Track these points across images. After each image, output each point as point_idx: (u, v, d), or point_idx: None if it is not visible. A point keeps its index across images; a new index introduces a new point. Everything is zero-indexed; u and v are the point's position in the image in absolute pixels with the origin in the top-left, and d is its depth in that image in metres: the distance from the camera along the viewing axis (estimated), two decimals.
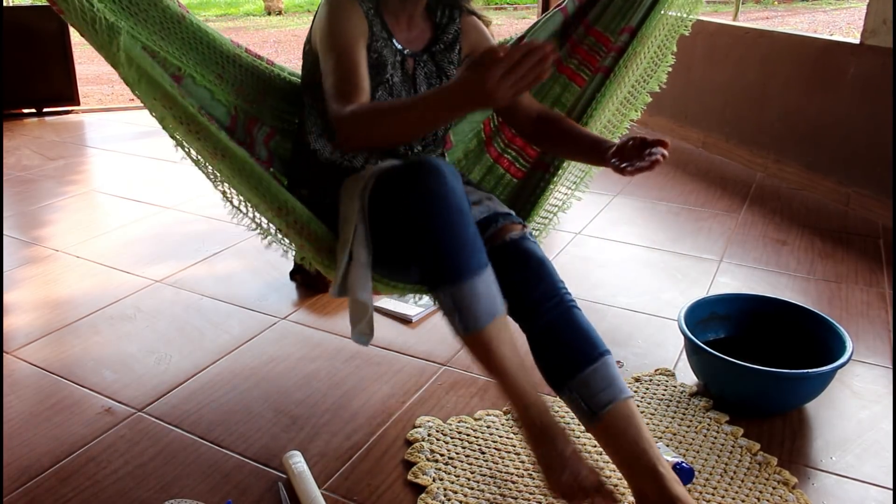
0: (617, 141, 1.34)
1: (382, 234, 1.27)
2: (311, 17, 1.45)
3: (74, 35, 4.51)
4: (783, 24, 9.95)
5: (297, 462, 1.38)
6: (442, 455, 1.42)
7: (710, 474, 1.38)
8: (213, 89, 1.48)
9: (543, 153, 1.67)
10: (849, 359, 1.51)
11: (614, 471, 1.37)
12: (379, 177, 1.29)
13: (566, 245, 2.48)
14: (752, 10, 11.27)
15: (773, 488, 1.35)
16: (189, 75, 1.45)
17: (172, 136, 1.24)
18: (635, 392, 1.62)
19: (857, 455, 1.45)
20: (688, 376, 1.70)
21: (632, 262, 2.36)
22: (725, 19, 3.69)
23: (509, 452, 1.44)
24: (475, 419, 1.54)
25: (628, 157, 1.28)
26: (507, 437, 1.48)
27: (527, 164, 1.71)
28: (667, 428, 1.51)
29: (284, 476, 1.37)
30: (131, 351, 1.82)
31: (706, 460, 1.42)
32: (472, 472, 1.38)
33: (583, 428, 1.45)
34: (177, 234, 2.58)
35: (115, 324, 1.95)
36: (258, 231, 1.45)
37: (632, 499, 1.19)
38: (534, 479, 1.36)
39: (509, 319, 1.21)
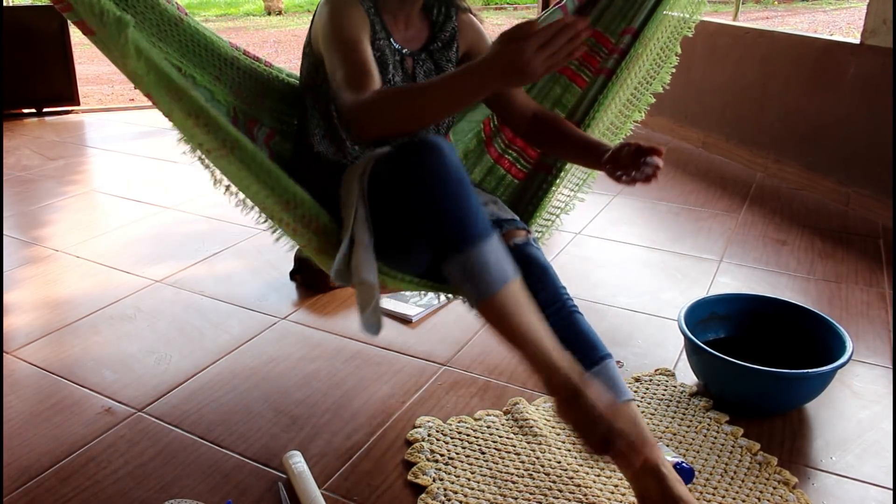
0: (613, 145, 1.35)
1: (384, 218, 1.25)
2: (311, 18, 1.45)
3: (74, 35, 4.51)
4: (783, 24, 9.95)
5: (297, 462, 1.38)
6: (442, 455, 1.42)
7: (711, 474, 1.38)
8: (212, 89, 1.49)
9: (544, 154, 1.67)
10: (849, 359, 1.51)
11: (615, 471, 1.37)
12: (377, 161, 1.28)
13: (566, 245, 2.48)
14: (752, 10, 11.27)
15: (774, 488, 1.35)
16: (189, 75, 1.45)
17: (181, 131, 1.21)
18: (635, 392, 1.62)
19: (857, 455, 1.45)
20: (688, 376, 1.70)
21: (632, 262, 2.36)
22: (725, 19, 3.70)
23: (509, 452, 1.44)
24: (475, 419, 1.54)
25: (623, 164, 1.29)
26: (507, 438, 1.48)
27: (528, 165, 1.71)
28: (667, 428, 1.51)
29: (284, 476, 1.37)
30: (131, 351, 1.82)
31: (706, 460, 1.42)
32: (472, 473, 1.38)
33: None
34: (177, 234, 2.58)
35: (115, 324, 1.95)
36: (268, 224, 1.40)
37: (633, 499, 1.19)
38: (534, 479, 1.36)
39: (520, 287, 1.18)
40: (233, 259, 2.37)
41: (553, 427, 1.51)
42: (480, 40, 1.52)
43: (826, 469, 1.41)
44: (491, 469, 1.39)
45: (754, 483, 1.36)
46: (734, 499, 1.32)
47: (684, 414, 1.56)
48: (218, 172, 1.28)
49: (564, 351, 1.15)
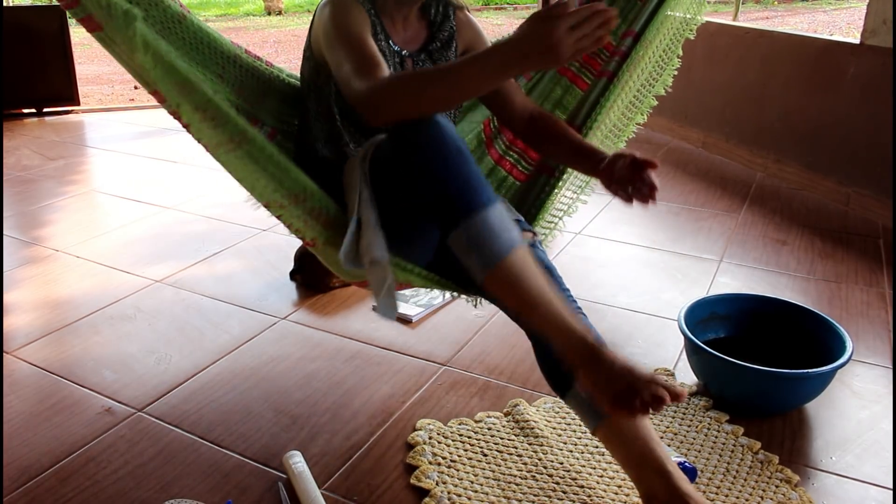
0: (609, 153, 1.35)
1: (388, 200, 1.23)
2: (311, 20, 1.44)
3: (74, 35, 4.52)
4: (783, 24, 9.95)
5: (297, 462, 1.38)
6: (444, 458, 1.41)
7: (713, 473, 1.38)
8: (216, 87, 1.49)
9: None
10: (849, 359, 1.51)
11: (618, 471, 1.37)
12: (377, 145, 1.28)
13: (566, 245, 2.48)
14: (752, 10, 11.27)
15: (776, 487, 1.35)
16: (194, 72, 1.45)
17: (191, 126, 1.18)
18: None
19: (857, 455, 1.45)
20: (687, 376, 1.70)
21: (632, 262, 2.36)
22: (725, 19, 3.69)
23: (511, 454, 1.43)
24: (476, 421, 1.53)
25: (619, 176, 1.30)
26: (508, 439, 1.47)
27: (529, 167, 1.71)
28: (668, 427, 1.51)
29: (284, 476, 1.37)
30: (131, 351, 1.82)
31: (708, 459, 1.42)
32: (475, 475, 1.37)
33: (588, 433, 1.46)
34: (177, 234, 2.58)
35: (115, 324, 1.95)
36: (277, 221, 1.37)
37: (637, 500, 1.19)
38: (537, 480, 1.36)
39: (528, 253, 1.16)
40: (233, 259, 2.37)
41: (554, 428, 1.51)
42: (478, 38, 1.52)
43: (826, 469, 1.41)
44: (493, 471, 1.39)
45: (756, 482, 1.36)
46: (737, 498, 1.32)
47: (685, 413, 1.56)
48: (231, 165, 1.24)
49: (577, 314, 1.13)
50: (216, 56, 1.48)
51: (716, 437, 1.48)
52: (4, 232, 2.56)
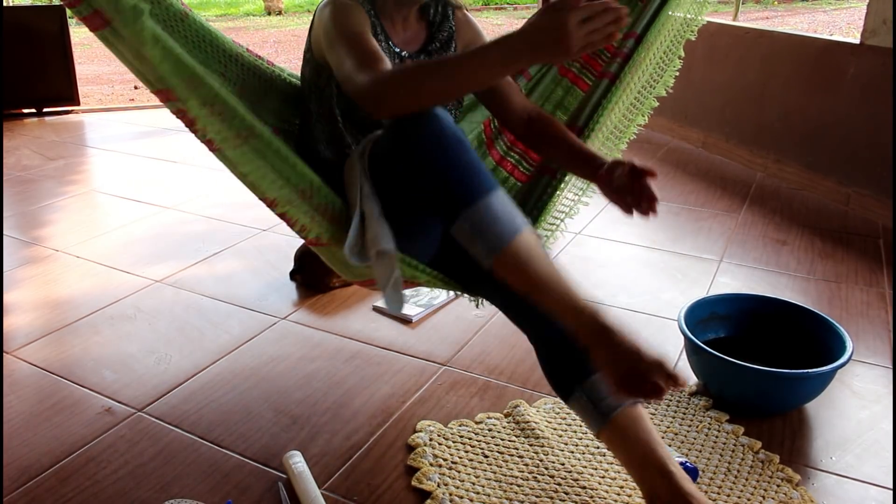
0: (608, 159, 1.35)
1: (389, 194, 1.23)
2: (310, 22, 1.44)
3: (75, 35, 4.52)
4: (783, 24, 9.95)
5: (297, 462, 1.38)
6: (445, 460, 1.41)
7: (714, 473, 1.38)
8: (220, 84, 1.48)
9: None
10: (849, 359, 1.51)
11: (619, 472, 1.37)
12: (375, 141, 1.28)
13: (566, 245, 2.48)
14: (752, 10, 11.27)
15: (778, 486, 1.35)
16: None
17: (195, 119, 1.14)
18: None
19: (857, 455, 1.45)
20: (686, 376, 1.70)
21: (632, 262, 2.36)
22: (725, 19, 3.70)
23: (512, 456, 1.43)
24: (476, 422, 1.53)
25: (618, 184, 1.30)
26: (509, 441, 1.47)
27: (531, 168, 1.70)
28: (668, 427, 1.51)
29: (284, 476, 1.37)
30: (131, 351, 1.82)
31: (709, 459, 1.42)
32: (476, 477, 1.37)
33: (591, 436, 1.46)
34: (177, 234, 2.58)
35: (115, 324, 1.95)
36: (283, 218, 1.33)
37: (639, 500, 1.18)
38: (539, 482, 1.36)
39: (533, 235, 1.15)
40: (233, 259, 2.37)
41: (555, 430, 1.51)
42: (478, 38, 1.52)
43: (826, 469, 1.41)
44: (495, 473, 1.38)
45: (758, 481, 1.36)
46: (739, 497, 1.32)
47: (685, 413, 1.56)
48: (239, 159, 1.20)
49: (581, 293, 1.12)
50: (218, 54, 1.48)
51: (716, 436, 1.49)
52: (4, 232, 2.56)
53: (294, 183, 1.19)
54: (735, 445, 1.46)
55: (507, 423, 1.53)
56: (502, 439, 1.47)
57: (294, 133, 1.60)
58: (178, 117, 1.21)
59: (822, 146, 2.96)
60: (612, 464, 1.39)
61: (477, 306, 1.51)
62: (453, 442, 1.46)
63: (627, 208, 1.32)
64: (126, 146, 3.78)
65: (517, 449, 1.45)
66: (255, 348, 1.84)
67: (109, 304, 2.06)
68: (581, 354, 1.21)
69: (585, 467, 1.39)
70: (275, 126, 1.58)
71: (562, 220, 1.67)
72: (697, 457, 1.43)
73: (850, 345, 1.54)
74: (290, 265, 2.18)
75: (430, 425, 1.51)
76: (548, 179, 1.64)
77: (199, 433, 1.51)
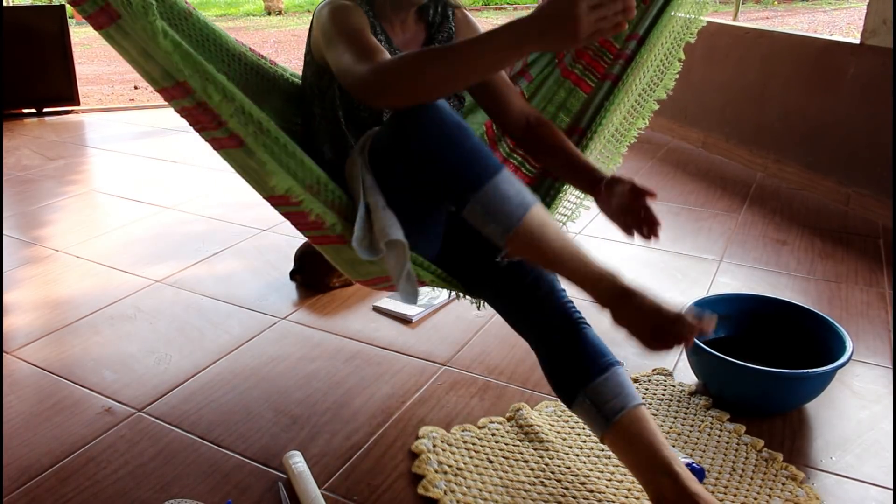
0: (606, 173, 1.36)
1: (390, 187, 1.22)
2: (310, 23, 1.44)
3: (75, 35, 4.52)
4: (783, 24, 9.95)
5: (297, 462, 1.38)
6: (450, 466, 1.39)
7: (720, 473, 1.38)
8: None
9: None
10: (849, 359, 1.51)
11: (626, 474, 1.36)
12: (375, 135, 1.27)
13: None
14: (752, 10, 11.27)
15: (783, 484, 1.35)
16: None
17: (219, 109, 1.13)
18: None
19: (857, 455, 1.45)
20: (687, 376, 1.70)
21: (632, 262, 2.36)
22: (725, 19, 3.70)
23: (518, 460, 1.42)
24: (479, 427, 1.51)
25: (618, 203, 1.31)
26: (513, 445, 1.46)
27: (533, 171, 1.70)
28: (671, 428, 1.51)
29: (284, 476, 1.37)
30: (131, 351, 1.82)
31: (713, 459, 1.42)
32: (482, 483, 1.36)
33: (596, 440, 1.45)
34: (177, 234, 2.58)
35: (115, 324, 1.95)
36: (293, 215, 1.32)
37: (647, 502, 1.18)
38: (546, 486, 1.35)
39: (544, 210, 1.17)
40: (233, 259, 2.37)
41: (558, 433, 1.50)
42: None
43: (826, 469, 1.41)
44: (501, 478, 1.37)
45: (763, 480, 1.36)
46: (746, 496, 1.32)
47: (686, 413, 1.56)
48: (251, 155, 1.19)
49: (597, 260, 1.15)
50: (221, 53, 1.48)
51: (719, 435, 1.48)
52: (4, 232, 2.57)
53: (301, 179, 1.19)
54: (738, 444, 1.46)
55: (510, 427, 1.52)
56: (506, 444, 1.46)
57: (297, 133, 1.59)
58: (189, 113, 1.19)
59: (822, 146, 2.96)
60: (618, 466, 1.39)
61: (479, 308, 1.51)
62: (457, 448, 1.45)
63: (627, 229, 1.33)
64: (126, 146, 3.78)
65: (522, 454, 1.44)
66: (255, 348, 1.84)
67: (109, 304, 2.06)
68: (583, 362, 1.21)
69: (592, 470, 1.39)
70: (278, 125, 1.58)
71: (564, 224, 1.67)
72: (702, 457, 1.43)
73: (850, 345, 1.54)
74: (290, 265, 2.18)
75: (432, 431, 1.49)
76: (550, 182, 1.64)
77: (199, 433, 1.51)
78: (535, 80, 1.72)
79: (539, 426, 1.50)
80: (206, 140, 1.26)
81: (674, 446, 1.45)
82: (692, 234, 2.58)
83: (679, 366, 1.75)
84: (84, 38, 9.41)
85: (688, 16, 1.66)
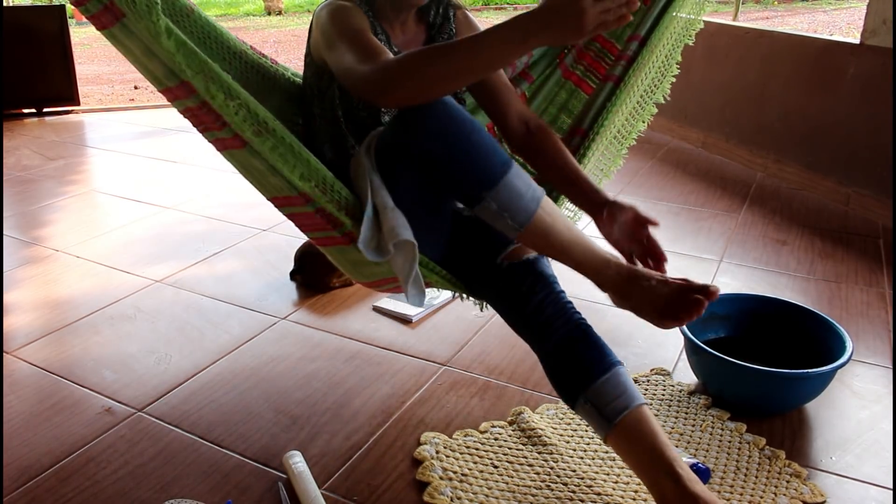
0: (607, 196, 1.37)
1: (397, 187, 1.22)
2: (310, 24, 1.44)
3: (75, 35, 4.52)
4: (783, 24, 9.95)
5: (297, 462, 1.38)
6: (455, 472, 1.38)
7: (724, 472, 1.38)
8: None
9: None
10: (849, 359, 1.51)
11: (632, 476, 1.36)
12: (380, 135, 1.27)
13: None
14: (752, 10, 11.27)
15: (787, 481, 1.35)
16: None
17: (221, 110, 1.14)
18: None
19: (857, 455, 1.45)
20: (687, 376, 1.70)
21: None
22: (725, 19, 3.70)
23: (522, 465, 1.41)
24: (481, 432, 1.50)
25: (620, 233, 1.34)
26: (517, 449, 1.45)
27: (534, 173, 1.70)
28: (673, 428, 1.51)
29: (284, 476, 1.37)
30: (131, 351, 1.82)
31: (717, 458, 1.42)
32: (488, 488, 1.35)
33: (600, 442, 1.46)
34: (177, 234, 2.58)
35: (115, 324, 1.95)
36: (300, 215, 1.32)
37: None
38: (552, 490, 1.34)
39: (551, 202, 1.22)
40: (233, 259, 2.37)
41: (561, 435, 1.49)
42: None
43: (826, 469, 1.41)
44: (507, 483, 1.36)
45: (767, 478, 1.36)
46: (752, 495, 1.32)
47: (686, 413, 1.56)
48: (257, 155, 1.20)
49: (601, 248, 1.21)
50: (223, 51, 1.48)
51: (721, 435, 1.48)
52: (4, 232, 2.57)
53: (307, 178, 1.19)
54: (741, 443, 1.46)
55: (513, 431, 1.50)
56: (510, 448, 1.46)
57: (298, 133, 1.59)
58: (193, 114, 1.19)
59: (822, 146, 2.96)
60: (623, 468, 1.38)
61: (482, 310, 1.51)
62: (460, 454, 1.44)
63: (629, 257, 1.35)
64: (126, 146, 3.78)
65: (526, 458, 1.43)
66: (255, 348, 1.84)
67: (109, 304, 2.06)
68: (584, 364, 1.21)
69: (598, 473, 1.38)
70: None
71: (571, 219, 1.67)
72: (705, 456, 1.43)
73: (850, 345, 1.54)
74: (290, 265, 2.18)
75: (434, 437, 1.48)
76: (551, 186, 1.64)
77: (199, 433, 1.51)
78: (536, 81, 1.72)
79: (542, 429, 1.49)
80: (210, 141, 1.26)
81: (677, 446, 1.45)
82: (692, 234, 2.58)
83: (681, 366, 1.75)
84: (84, 38, 9.41)
85: (688, 16, 1.67)
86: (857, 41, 2.77)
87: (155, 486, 1.35)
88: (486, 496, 1.33)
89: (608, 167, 1.73)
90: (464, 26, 1.51)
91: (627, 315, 1.98)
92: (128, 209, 2.84)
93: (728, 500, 1.31)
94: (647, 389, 1.64)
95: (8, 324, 1.95)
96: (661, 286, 1.19)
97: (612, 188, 2.95)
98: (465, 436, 1.49)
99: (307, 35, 1.45)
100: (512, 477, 1.38)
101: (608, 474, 1.38)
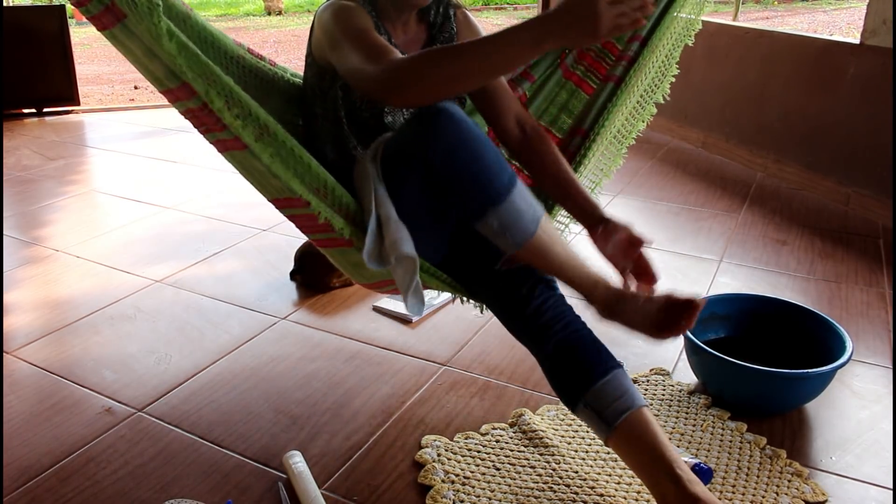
0: (603, 210, 1.40)
1: (401, 196, 1.21)
2: (311, 25, 1.44)
3: (75, 35, 4.52)
4: (783, 24, 9.95)
5: (297, 462, 1.38)
6: (457, 475, 1.38)
7: (726, 472, 1.38)
8: None
9: None
10: (849, 359, 1.51)
11: (634, 476, 1.35)
12: (387, 144, 1.27)
13: None
14: (752, 10, 11.27)
15: (789, 481, 1.35)
16: None
17: (221, 114, 1.13)
18: None
19: (857, 455, 1.45)
20: (687, 376, 1.70)
21: None
22: (725, 19, 3.70)
23: (524, 467, 1.41)
24: (482, 434, 1.50)
25: (614, 252, 1.37)
26: (518, 451, 1.45)
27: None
28: (674, 428, 1.51)
29: (284, 476, 1.37)
30: (131, 351, 1.82)
31: (718, 458, 1.42)
32: (491, 491, 1.35)
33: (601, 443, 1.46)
34: (177, 234, 2.58)
35: (115, 324, 1.95)
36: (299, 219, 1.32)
37: None
38: (555, 492, 1.34)
39: (550, 221, 1.25)
40: (233, 259, 2.37)
41: (563, 437, 1.49)
42: (478, 35, 1.51)
43: (826, 469, 1.41)
44: (510, 485, 1.36)
45: (769, 477, 1.36)
46: (754, 494, 1.32)
47: (687, 413, 1.56)
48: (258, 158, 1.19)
49: (593, 268, 1.27)
50: (220, 56, 1.48)
51: (721, 434, 1.49)
52: (4, 232, 2.57)
53: (307, 182, 1.19)
54: (742, 443, 1.46)
55: (514, 433, 1.50)
56: (511, 450, 1.45)
57: (297, 134, 1.59)
58: (194, 115, 1.19)
59: (822, 146, 2.96)
60: (625, 469, 1.38)
61: (481, 312, 1.51)
62: (462, 456, 1.43)
63: (623, 272, 1.38)
64: (126, 146, 3.78)
65: (528, 460, 1.43)
66: (255, 348, 1.84)
67: (109, 304, 2.06)
68: (584, 366, 1.21)
69: (600, 474, 1.38)
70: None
71: (566, 227, 1.68)
72: (707, 456, 1.43)
73: (850, 345, 1.54)
74: (290, 265, 2.18)
75: (435, 440, 1.48)
76: None
77: (199, 433, 1.51)
78: (537, 81, 1.72)
79: (543, 431, 1.49)
80: (211, 142, 1.26)
81: (678, 446, 1.45)
82: (692, 234, 2.58)
83: (681, 366, 1.75)
84: (84, 38, 9.42)
85: (689, 16, 1.67)
86: (857, 41, 2.77)
87: (155, 486, 1.36)
88: (489, 498, 1.33)
89: (608, 167, 1.73)
90: (464, 26, 1.50)
91: None
92: (128, 209, 2.84)
93: (731, 499, 1.31)
94: (646, 389, 1.64)
95: (8, 324, 1.95)
96: (647, 304, 1.26)
97: (612, 188, 2.95)
98: (466, 438, 1.49)
99: (308, 35, 1.45)
100: (514, 479, 1.38)
101: (610, 475, 1.38)
